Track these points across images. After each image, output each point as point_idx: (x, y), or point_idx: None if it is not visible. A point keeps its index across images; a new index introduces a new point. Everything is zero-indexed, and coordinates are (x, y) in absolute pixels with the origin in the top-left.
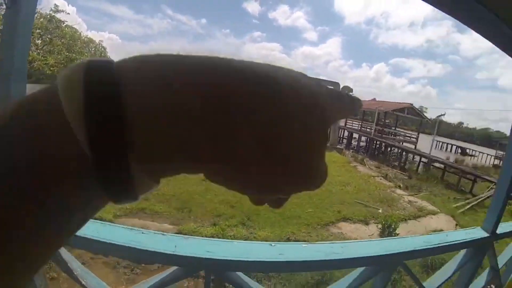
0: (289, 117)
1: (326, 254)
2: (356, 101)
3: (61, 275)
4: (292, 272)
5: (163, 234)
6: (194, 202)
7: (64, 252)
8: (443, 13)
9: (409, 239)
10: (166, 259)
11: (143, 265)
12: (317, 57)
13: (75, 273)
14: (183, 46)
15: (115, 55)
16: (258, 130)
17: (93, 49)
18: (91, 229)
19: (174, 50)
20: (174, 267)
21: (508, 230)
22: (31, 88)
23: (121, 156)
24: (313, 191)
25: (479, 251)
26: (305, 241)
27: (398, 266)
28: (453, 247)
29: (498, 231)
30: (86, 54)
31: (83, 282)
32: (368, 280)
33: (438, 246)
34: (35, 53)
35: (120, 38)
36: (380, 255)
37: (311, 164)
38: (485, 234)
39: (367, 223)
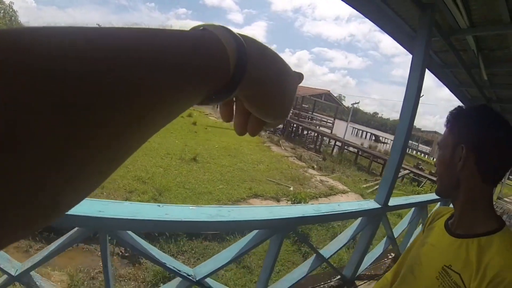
0: (287, 69)
1: (211, 216)
2: (300, 75)
3: None
4: (176, 231)
5: None
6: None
7: None
8: None
9: (299, 207)
10: (63, 220)
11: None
12: None
13: None
14: (105, 16)
15: (28, 19)
16: (278, 74)
17: (1, 12)
18: None
19: (95, 19)
20: (72, 230)
21: (400, 203)
22: None
23: (240, 79)
24: (226, 169)
25: (373, 221)
26: None
27: (290, 231)
28: (345, 216)
29: (390, 203)
30: None
31: None
32: (260, 243)
33: (328, 214)
34: None
35: (35, 1)
36: (269, 219)
37: (291, 104)
38: (377, 206)
39: (278, 200)
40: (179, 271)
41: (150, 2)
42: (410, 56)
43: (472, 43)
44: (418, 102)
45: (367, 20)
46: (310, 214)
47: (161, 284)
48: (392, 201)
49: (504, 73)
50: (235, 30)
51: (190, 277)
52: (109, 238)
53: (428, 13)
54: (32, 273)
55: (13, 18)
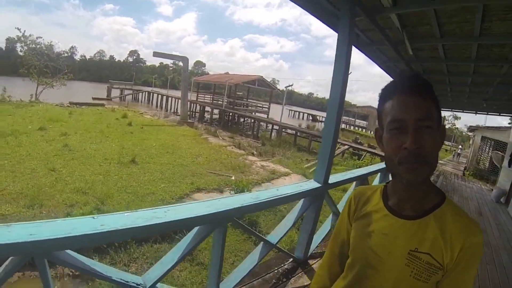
0: None
1: (147, 219)
2: None
3: None
4: (114, 241)
5: None
6: (44, 196)
7: None
8: None
9: (237, 197)
10: None
11: None
12: (172, 33)
13: None
14: (25, 17)
15: None
16: None
17: None
18: None
19: (14, 22)
20: (8, 260)
21: (340, 179)
22: None
23: None
24: (166, 167)
25: (315, 200)
26: None
27: (229, 223)
28: (285, 200)
29: (330, 181)
30: None
31: None
32: (203, 239)
33: (268, 200)
34: None
35: None
36: (207, 214)
37: None
38: (317, 185)
39: (221, 191)
40: (127, 282)
41: None
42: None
43: (396, 21)
44: (347, 79)
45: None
46: (249, 203)
47: None
48: (332, 178)
49: (428, 48)
50: (165, 23)
51: (140, 286)
52: (48, 261)
53: None
54: None
55: None
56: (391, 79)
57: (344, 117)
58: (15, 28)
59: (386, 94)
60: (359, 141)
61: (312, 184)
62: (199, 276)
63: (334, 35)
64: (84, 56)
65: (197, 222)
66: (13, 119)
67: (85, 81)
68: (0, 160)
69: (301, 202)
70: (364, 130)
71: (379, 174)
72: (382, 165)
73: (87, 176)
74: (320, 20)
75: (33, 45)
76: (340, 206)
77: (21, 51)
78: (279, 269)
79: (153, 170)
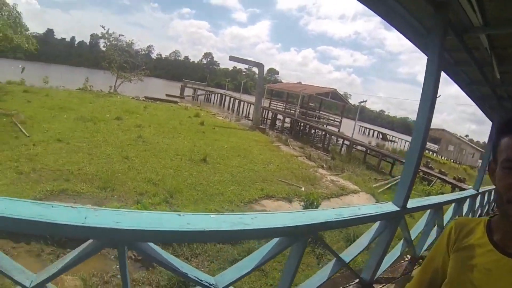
0: None
1: (234, 224)
2: None
3: None
4: (200, 242)
5: (73, 207)
6: (117, 181)
7: None
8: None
9: (321, 211)
10: (76, 231)
11: (68, 249)
12: (245, 38)
13: None
14: (108, 17)
15: (31, 23)
16: None
17: (6, 14)
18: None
19: (98, 21)
20: (88, 242)
21: (417, 205)
22: None
23: None
24: (236, 170)
25: (391, 223)
26: None
27: (311, 236)
28: (365, 220)
29: (408, 205)
30: None
31: None
32: (283, 250)
33: (350, 218)
34: None
35: (39, 3)
36: (292, 226)
37: None
38: (396, 208)
39: (290, 201)
40: (201, 281)
41: (154, 2)
42: (417, 53)
43: (485, 42)
44: (435, 102)
45: (372, 18)
46: (332, 219)
47: None
48: (410, 203)
49: None
50: (239, 29)
51: (211, 287)
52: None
53: (443, 12)
54: (48, 284)
55: (17, 20)
56: (471, 102)
57: None
58: (100, 26)
59: (503, 129)
60: (430, 165)
61: (390, 207)
62: (258, 282)
63: (408, 51)
64: (160, 55)
65: (281, 233)
66: (93, 107)
67: (160, 78)
68: (79, 143)
69: (377, 224)
70: (435, 154)
71: (453, 204)
72: (456, 195)
73: (158, 168)
74: (409, 39)
75: (115, 42)
76: (412, 233)
77: (104, 46)
78: None
79: (223, 171)
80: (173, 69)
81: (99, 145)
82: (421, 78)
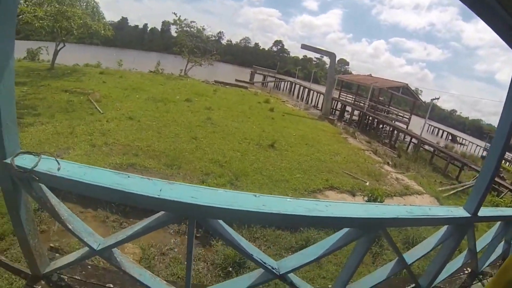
0: None
1: (309, 210)
2: None
3: (51, 228)
4: (274, 225)
5: (149, 179)
6: (183, 159)
7: (51, 197)
8: None
9: (393, 207)
10: (151, 202)
11: (131, 219)
12: (316, 27)
13: (62, 218)
14: (179, 5)
15: (108, 12)
16: None
17: (84, 4)
18: (79, 172)
19: (171, 8)
20: (160, 213)
21: (489, 214)
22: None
23: None
24: (303, 158)
25: (459, 230)
26: None
27: (380, 231)
28: (434, 221)
29: (480, 213)
30: (77, 7)
31: (70, 227)
32: (350, 242)
33: (420, 218)
34: (23, 5)
35: None
36: (364, 217)
37: None
38: (467, 214)
39: (353, 194)
40: (264, 263)
41: None
42: (497, 48)
43: None
44: None
45: (449, 8)
46: (404, 216)
47: (230, 268)
48: (481, 211)
49: None
50: (310, 17)
51: (274, 270)
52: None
53: None
54: (114, 249)
55: (95, 9)
56: None
57: (487, 144)
58: (172, 12)
59: None
60: (501, 175)
61: (461, 212)
62: (312, 272)
63: (488, 46)
64: (230, 41)
65: (353, 224)
66: (163, 88)
67: (230, 64)
68: (149, 121)
69: (444, 228)
70: (508, 164)
71: None
72: None
73: (225, 150)
74: (495, 32)
75: (187, 28)
76: (478, 245)
77: (175, 32)
78: None
79: (290, 159)
80: (243, 55)
81: (168, 124)
82: (500, 77)
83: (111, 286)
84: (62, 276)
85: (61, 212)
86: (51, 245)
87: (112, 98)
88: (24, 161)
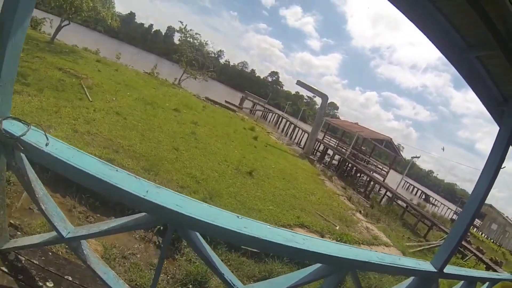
0: None
1: (287, 240)
2: None
3: (15, 204)
4: (253, 248)
5: (136, 177)
6: (162, 167)
7: (30, 170)
8: (445, 65)
9: (365, 251)
10: (136, 201)
11: (98, 215)
12: (314, 67)
13: (36, 196)
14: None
15: (118, 2)
16: None
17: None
18: (67, 153)
19: (178, 16)
20: (141, 214)
21: (454, 272)
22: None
23: None
24: (278, 192)
25: (424, 284)
26: None
27: (349, 272)
28: (403, 271)
29: (445, 270)
30: None
31: (42, 207)
32: (320, 278)
33: (390, 265)
34: None
35: None
36: (338, 256)
37: None
38: (433, 269)
39: (322, 235)
40: (233, 285)
41: (234, 11)
42: (481, 119)
43: None
44: (497, 174)
45: (443, 74)
46: (374, 261)
47: (190, 285)
48: (447, 268)
49: None
50: (310, 56)
51: None
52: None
53: None
54: (83, 241)
55: (111, 6)
56: None
57: (458, 208)
58: (178, 21)
59: None
60: (468, 239)
61: (428, 266)
62: None
63: (473, 116)
64: (228, 61)
65: (326, 260)
66: (155, 92)
67: (223, 83)
68: (135, 121)
69: (410, 279)
70: (475, 229)
71: (487, 283)
72: (493, 274)
73: (204, 168)
74: (482, 103)
75: (190, 39)
76: None
77: (179, 40)
78: None
79: (266, 190)
80: (238, 78)
81: (153, 129)
82: (480, 146)
83: (70, 279)
84: (19, 256)
85: (37, 190)
86: (11, 221)
87: (104, 88)
88: (13, 126)
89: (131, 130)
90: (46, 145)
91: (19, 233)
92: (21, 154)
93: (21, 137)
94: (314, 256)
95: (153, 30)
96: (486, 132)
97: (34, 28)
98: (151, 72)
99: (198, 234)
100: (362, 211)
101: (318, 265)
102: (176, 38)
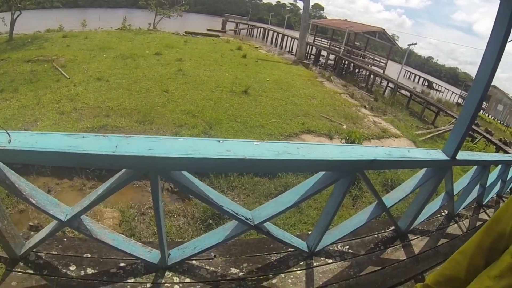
0: None
1: (278, 153)
2: None
3: (30, 206)
4: (239, 171)
5: (104, 136)
6: (155, 114)
7: (10, 173)
8: None
9: (370, 148)
10: (107, 160)
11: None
12: None
13: (24, 193)
14: None
15: None
16: None
17: None
18: (30, 141)
19: None
20: (121, 172)
21: (467, 158)
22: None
23: None
24: (278, 103)
25: (438, 173)
26: None
27: (357, 174)
28: (414, 164)
29: (458, 157)
30: None
31: (33, 201)
32: (327, 186)
33: (399, 160)
34: None
35: None
36: (340, 159)
37: None
38: (445, 157)
39: (331, 137)
40: (237, 214)
41: None
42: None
43: None
44: (504, 46)
45: None
46: (382, 157)
47: (210, 220)
48: (459, 155)
49: None
50: None
51: (248, 221)
52: (161, 178)
53: None
54: (82, 216)
55: None
56: None
57: (462, 91)
58: None
59: None
60: (476, 121)
61: (440, 155)
62: (292, 218)
63: None
64: None
65: (328, 167)
66: (132, 44)
67: (200, 13)
68: (119, 80)
69: (423, 171)
70: (482, 111)
71: (499, 166)
72: (505, 156)
73: (198, 100)
74: None
75: None
76: (455, 187)
77: None
78: (379, 235)
79: (265, 104)
80: (214, 4)
81: (138, 80)
82: (478, 27)
83: (89, 255)
84: (39, 254)
85: (22, 188)
86: (31, 223)
87: (78, 61)
88: None
89: (116, 90)
90: (9, 142)
91: (32, 232)
92: None
93: None
94: (313, 165)
95: None
96: (484, 13)
97: None
98: (123, 26)
99: (184, 172)
100: (366, 106)
101: (322, 172)
102: None
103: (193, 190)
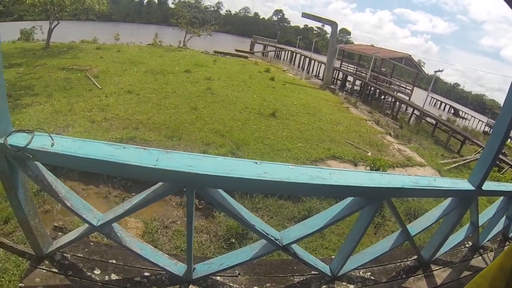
0: None
1: (312, 177)
2: None
3: (55, 207)
4: (276, 193)
5: (144, 149)
6: (184, 131)
7: (48, 174)
8: None
9: (398, 176)
10: (147, 173)
11: (133, 194)
12: None
13: (60, 195)
14: None
15: None
16: None
17: None
18: (73, 146)
19: None
20: (157, 185)
21: (493, 189)
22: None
23: None
24: (305, 127)
25: (463, 203)
26: None
27: (384, 201)
28: (439, 193)
29: (484, 187)
30: None
31: (68, 204)
32: (354, 212)
33: (425, 189)
34: None
35: None
36: (369, 186)
37: None
38: (471, 187)
39: (356, 164)
40: (267, 234)
41: None
42: (504, 24)
43: None
44: None
45: None
46: (409, 186)
47: (233, 239)
48: (485, 185)
49: None
50: None
51: (277, 241)
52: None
53: None
54: (114, 224)
55: None
56: None
57: (489, 119)
58: None
59: None
60: (503, 151)
61: (465, 185)
62: (314, 243)
63: (495, 21)
64: (229, 11)
65: (357, 192)
66: (162, 60)
67: (229, 34)
68: (148, 94)
69: (448, 200)
70: (510, 140)
71: None
72: None
73: (226, 120)
74: (508, 4)
75: None
76: (480, 219)
77: (172, 3)
78: (401, 263)
79: (292, 128)
80: (243, 25)
81: (168, 96)
82: (506, 53)
83: (114, 262)
84: (65, 254)
85: (59, 190)
86: (55, 224)
87: (110, 72)
88: (18, 139)
89: (146, 104)
90: (52, 145)
91: (60, 233)
92: (34, 162)
93: (27, 146)
94: (344, 190)
95: (145, 1)
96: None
97: (27, 39)
98: (154, 42)
99: (219, 190)
100: (392, 133)
101: (350, 198)
102: (170, 2)
103: (227, 208)
